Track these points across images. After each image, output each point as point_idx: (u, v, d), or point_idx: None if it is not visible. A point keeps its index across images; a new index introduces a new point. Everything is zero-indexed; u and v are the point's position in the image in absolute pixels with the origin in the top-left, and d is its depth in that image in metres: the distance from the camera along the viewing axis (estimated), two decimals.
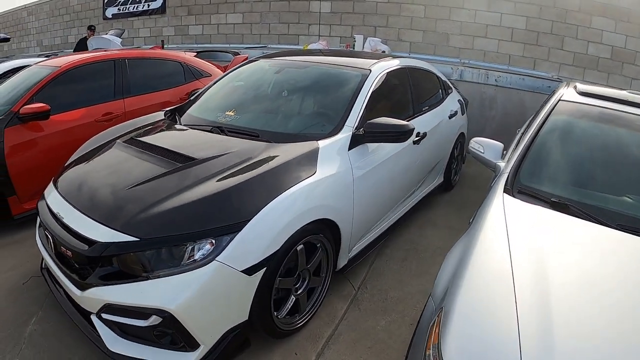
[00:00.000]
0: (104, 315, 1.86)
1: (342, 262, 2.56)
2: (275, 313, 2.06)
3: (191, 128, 2.74)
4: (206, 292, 1.72)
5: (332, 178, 2.24)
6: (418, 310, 2.54)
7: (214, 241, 1.76)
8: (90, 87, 3.88)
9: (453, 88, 4.65)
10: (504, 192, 1.95)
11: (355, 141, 2.50)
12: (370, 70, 2.96)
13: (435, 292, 1.61)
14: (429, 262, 3.10)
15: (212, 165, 2.11)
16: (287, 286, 2.12)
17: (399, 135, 2.52)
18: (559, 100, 2.54)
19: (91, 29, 9.33)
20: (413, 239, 3.44)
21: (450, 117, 4.12)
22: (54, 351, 2.16)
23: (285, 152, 2.21)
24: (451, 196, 4.43)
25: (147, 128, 2.84)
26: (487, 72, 6.17)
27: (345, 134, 2.47)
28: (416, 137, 3.20)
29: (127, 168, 2.27)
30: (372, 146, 2.63)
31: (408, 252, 3.23)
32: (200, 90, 3.44)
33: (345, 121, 2.55)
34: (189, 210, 1.84)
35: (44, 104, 3.35)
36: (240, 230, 1.78)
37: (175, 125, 2.83)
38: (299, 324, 2.24)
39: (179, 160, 2.20)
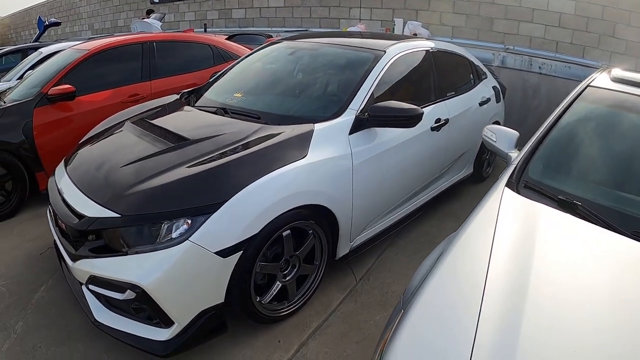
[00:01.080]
0: (90, 287, 1.91)
1: (342, 251, 2.47)
2: (258, 298, 2.02)
3: (199, 110, 2.74)
4: (178, 270, 1.70)
5: (326, 162, 2.15)
6: None
7: (189, 221, 1.74)
8: (117, 69, 4.00)
9: (488, 74, 4.35)
10: (505, 185, 1.76)
11: (359, 125, 2.38)
12: (385, 52, 2.81)
13: (406, 293, 1.48)
14: None
15: (202, 146, 2.09)
16: (272, 272, 2.06)
17: (406, 119, 2.37)
18: (587, 86, 2.26)
19: (149, 13, 9.62)
20: (430, 231, 3.28)
21: (482, 104, 3.86)
22: (54, 318, 2.27)
23: (278, 133, 2.14)
24: (482, 188, 4.16)
25: (158, 109, 2.87)
26: (531, 58, 5.74)
27: (347, 117, 2.36)
28: (435, 123, 3.02)
29: (126, 147, 2.31)
30: (382, 132, 2.50)
31: (422, 245, 3.08)
32: (219, 73, 3.43)
33: (349, 104, 2.43)
34: (169, 189, 1.83)
35: (69, 85, 3.50)
36: (215, 212, 1.74)
37: (185, 107, 2.84)
38: (284, 311, 2.18)
39: (173, 140, 2.20)
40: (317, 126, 2.23)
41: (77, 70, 3.74)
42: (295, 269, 2.18)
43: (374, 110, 2.35)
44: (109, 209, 1.84)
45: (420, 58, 3.21)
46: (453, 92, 3.49)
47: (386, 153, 2.54)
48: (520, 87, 5.70)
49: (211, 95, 2.95)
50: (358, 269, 2.72)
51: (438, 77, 3.32)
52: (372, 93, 2.54)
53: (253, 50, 3.58)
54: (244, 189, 1.81)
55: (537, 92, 5.72)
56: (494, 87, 4.27)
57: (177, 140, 2.19)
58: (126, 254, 1.76)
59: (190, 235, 1.71)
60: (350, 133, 2.34)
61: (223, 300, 1.85)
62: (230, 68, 3.36)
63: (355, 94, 2.48)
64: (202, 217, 1.74)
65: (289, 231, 2.03)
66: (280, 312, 2.17)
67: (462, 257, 1.39)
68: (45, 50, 5.31)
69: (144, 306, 1.77)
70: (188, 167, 1.92)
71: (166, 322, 1.77)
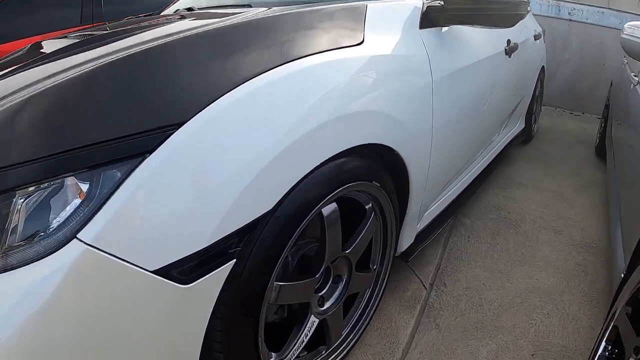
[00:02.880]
0: None
1: (406, 240, 1.35)
2: (273, 357, 0.88)
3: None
4: (58, 324, 0.55)
5: (394, 61, 1.02)
6: (537, 325, 1.34)
7: (85, 187, 0.59)
8: (46, 13, 2.77)
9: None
10: None
11: (430, 19, 1.25)
12: None
13: None
14: (532, 240, 1.86)
15: (129, 40, 0.92)
16: (300, 298, 0.92)
17: (507, 10, 1.30)
18: None
19: None
20: (499, 204, 2.20)
21: (536, 38, 2.88)
22: None
23: (296, 9, 0.99)
24: (530, 150, 3.16)
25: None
26: (559, 3, 4.78)
27: (412, 0, 1.24)
28: (507, 45, 1.98)
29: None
30: (454, 40, 1.40)
31: (497, 224, 1.99)
32: None
33: None
34: (32, 110, 0.66)
35: None
36: (150, 153, 0.60)
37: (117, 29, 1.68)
38: None
39: (71, 42, 1.03)
40: (370, 4, 1.08)
41: None
42: (342, 285, 1.04)
43: None
44: None
45: None
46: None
47: (464, 72, 1.43)
48: (548, 37, 4.67)
49: (164, 12, 1.78)
50: (421, 268, 1.61)
51: None
52: None
53: None
54: (223, 97, 0.66)
55: (567, 44, 4.76)
56: (540, 25, 3.30)
57: (80, 39, 1.02)
58: None
59: (84, 224, 0.56)
60: (421, 27, 1.21)
61: None
62: None
63: None
64: (114, 172, 0.59)
65: (334, 205, 0.89)
66: None
67: None
68: None
69: None
70: (84, 63, 0.75)
71: None
